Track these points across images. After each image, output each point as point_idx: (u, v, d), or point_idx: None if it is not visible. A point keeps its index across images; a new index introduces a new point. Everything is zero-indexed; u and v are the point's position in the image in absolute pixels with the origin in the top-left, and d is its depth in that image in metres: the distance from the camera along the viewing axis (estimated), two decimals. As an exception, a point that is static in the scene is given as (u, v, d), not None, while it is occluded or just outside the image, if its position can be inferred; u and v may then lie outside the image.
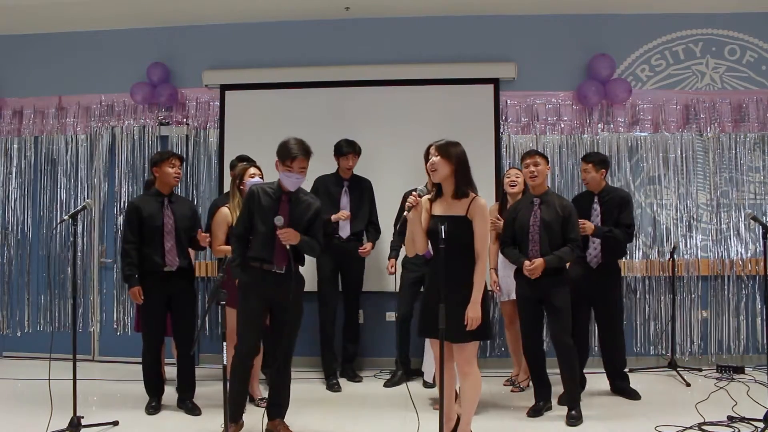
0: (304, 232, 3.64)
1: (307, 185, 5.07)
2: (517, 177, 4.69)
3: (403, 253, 4.92)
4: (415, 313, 4.83)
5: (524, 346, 4.18)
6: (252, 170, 4.32)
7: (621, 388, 4.51)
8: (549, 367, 4.15)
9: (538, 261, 3.91)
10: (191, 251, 4.39)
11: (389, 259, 4.96)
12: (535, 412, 4.08)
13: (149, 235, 4.13)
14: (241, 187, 4.26)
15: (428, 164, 3.33)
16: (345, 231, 5.02)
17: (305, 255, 3.76)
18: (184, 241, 4.23)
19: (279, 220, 3.51)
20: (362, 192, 5.13)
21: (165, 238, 4.14)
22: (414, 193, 3.27)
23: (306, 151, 3.60)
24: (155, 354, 4.24)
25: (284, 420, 3.74)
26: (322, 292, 5.05)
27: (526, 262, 3.95)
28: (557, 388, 4.18)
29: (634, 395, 4.45)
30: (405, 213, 3.27)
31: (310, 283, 5.18)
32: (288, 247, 3.54)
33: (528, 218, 4.04)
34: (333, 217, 4.93)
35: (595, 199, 4.45)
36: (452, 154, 3.25)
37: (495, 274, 4.78)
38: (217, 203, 4.60)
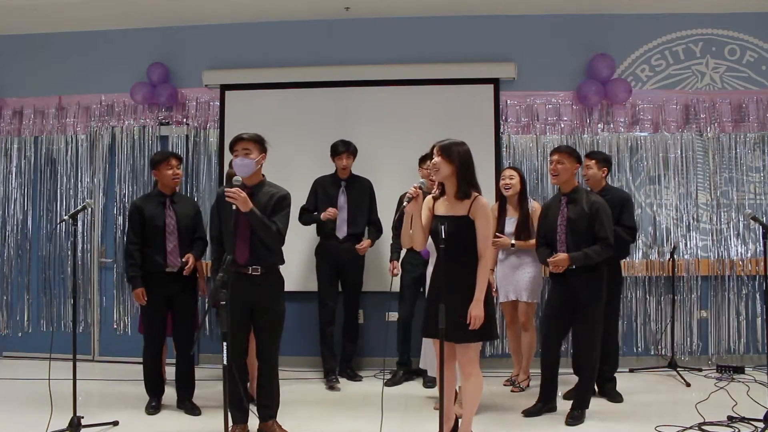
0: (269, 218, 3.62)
1: (306, 186, 5.10)
2: (512, 179, 4.66)
3: (402, 254, 4.93)
4: (417, 313, 4.86)
5: (543, 345, 4.12)
6: None
7: (606, 390, 4.39)
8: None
9: (562, 255, 3.86)
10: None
11: (391, 261, 4.95)
12: (532, 412, 4.06)
13: (151, 236, 4.13)
14: None
15: (431, 163, 3.33)
16: (342, 231, 5.00)
17: (273, 249, 3.65)
18: (186, 241, 4.22)
19: (237, 180, 3.49)
20: (361, 192, 5.11)
21: (167, 238, 4.14)
22: (415, 185, 3.24)
23: (248, 134, 3.65)
24: (156, 354, 4.25)
25: (277, 419, 3.73)
26: (320, 293, 5.06)
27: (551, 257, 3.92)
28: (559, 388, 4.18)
29: (617, 398, 4.35)
30: (404, 204, 3.24)
31: (310, 283, 5.20)
32: (250, 242, 3.53)
33: (556, 217, 3.99)
34: (322, 216, 4.91)
35: None
36: (454, 154, 3.25)
37: (492, 274, 4.78)
38: None
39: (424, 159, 4.81)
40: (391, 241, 4.98)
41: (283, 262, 3.75)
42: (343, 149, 5.00)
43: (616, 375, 4.48)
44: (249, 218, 3.48)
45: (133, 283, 4.13)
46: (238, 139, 3.63)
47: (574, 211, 3.93)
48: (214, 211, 3.79)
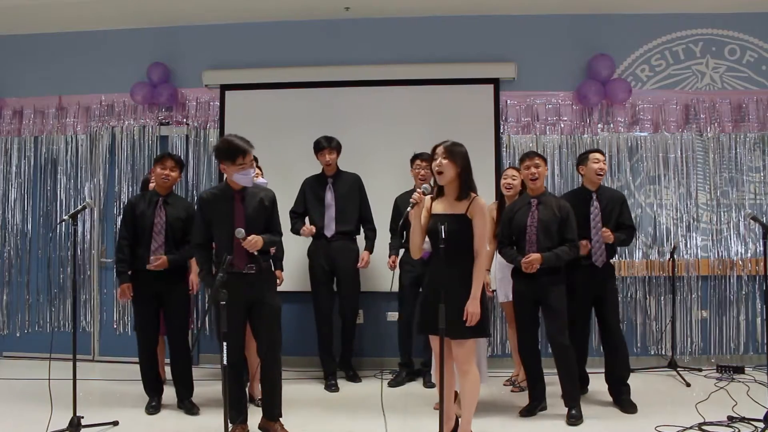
0: (265, 225, 3.68)
1: (295, 188, 5.07)
2: (514, 179, 4.65)
3: (401, 251, 4.93)
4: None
5: (519, 345, 4.22)
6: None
7: (621, 397, 4.26)
8: (546, 367, 4.15)
9: (535, 255, 3.94)
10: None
11: (390, 256, 4.93)
12: (528, 411, 4.09)
13: (140, 234, 4.17)
14: None
15: (434, 165, 3.35)
16: (330, 230, 4.94)
17: (270, 250, 3.76)
18: (173, 242, 4.18)
19: (240, 233, 3.50)
20: (348, 187, 5.02)
21: (153, 238, 4.14)
22: (419, 190, 3.31)
23: (250, 144, 3.68)
24: (151, 353, 4.24)
25: (280, 420, 3.72)
26: (314, 294, 5.02)
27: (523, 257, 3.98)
28: (554, 388, 4.17)
29: (631, 409, 4.16)
30: (408, 209, 3.29)
31: (307, 283, 5.17)
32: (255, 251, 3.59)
33: (525, 219, 4.06)
34: (301, 232, 4.90)
35: (594, 197, 4.37)
36: (458, 156, 3.31)
37: (488, 274, 4.79)
38: None
39: (416, 158, 4.83)
40: (390, 241, 4.97)
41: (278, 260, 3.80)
42: (325, 144, 4.94)
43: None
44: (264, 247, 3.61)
45: (120, 278, 4.17)
46: (247, 152, 3.61)
47: (545, 213, 4.04)
48: (198, 218, 3.73)
